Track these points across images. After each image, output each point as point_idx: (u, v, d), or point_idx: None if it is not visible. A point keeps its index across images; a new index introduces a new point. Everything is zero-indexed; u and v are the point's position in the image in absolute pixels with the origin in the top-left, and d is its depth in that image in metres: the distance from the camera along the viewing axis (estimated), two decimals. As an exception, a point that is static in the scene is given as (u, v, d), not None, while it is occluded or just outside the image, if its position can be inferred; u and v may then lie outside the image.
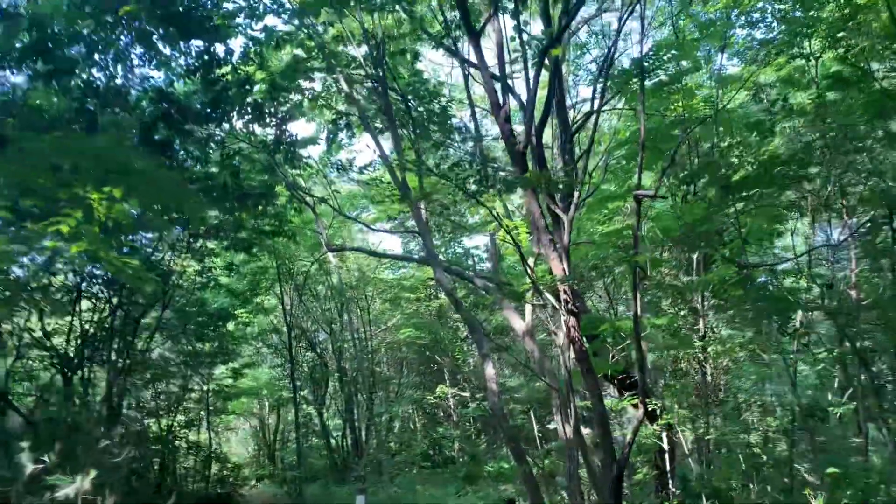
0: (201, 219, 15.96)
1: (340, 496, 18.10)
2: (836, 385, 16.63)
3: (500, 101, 8.65)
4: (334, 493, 18.98)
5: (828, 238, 17.14)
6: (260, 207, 13.58)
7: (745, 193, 9.41)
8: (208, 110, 12.29)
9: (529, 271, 8.71)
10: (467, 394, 19.72)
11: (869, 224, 14.81)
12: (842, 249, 15.97)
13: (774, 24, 12.99)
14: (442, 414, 23.14)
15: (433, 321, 21.71)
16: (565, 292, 8.27)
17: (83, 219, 5.38)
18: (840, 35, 11.74)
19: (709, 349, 15.08)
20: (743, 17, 12.96)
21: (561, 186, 7.97)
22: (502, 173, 8.83)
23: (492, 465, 18.51)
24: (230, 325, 21.72)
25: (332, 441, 24.00)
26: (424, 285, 21.65)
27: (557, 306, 8.36)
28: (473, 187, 9.58)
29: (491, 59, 9.93)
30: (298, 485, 21.00)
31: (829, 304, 14.80)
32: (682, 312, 12.32)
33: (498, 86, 8.85)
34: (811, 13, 11.67)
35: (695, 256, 14.29)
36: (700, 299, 15.48)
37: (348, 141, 14.35)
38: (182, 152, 12.54)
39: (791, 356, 16.78)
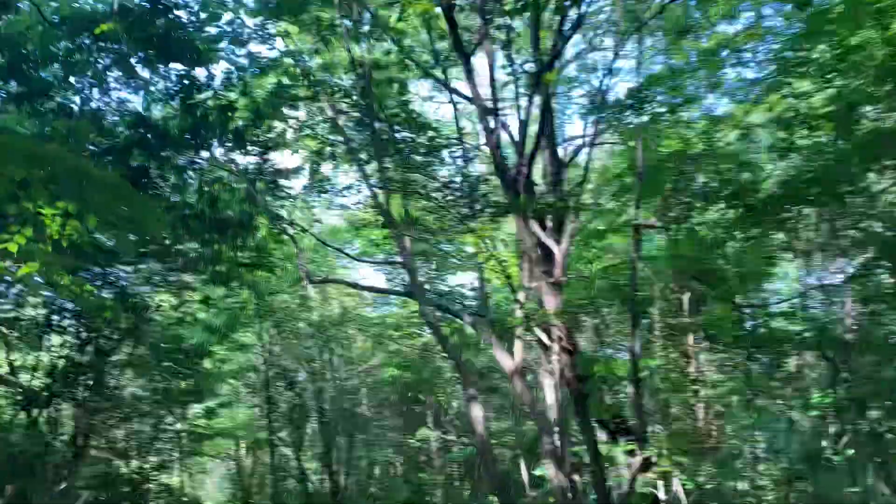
0: (176, 250, 15.49)
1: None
2: (831, 432, 16.17)
3: (492, 127, 8.28)
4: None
5: (820, 281, 16.82)
6: (239, 238, 13.04)
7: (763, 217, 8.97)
8: (187, 137, 11.83)
9: (520, 304, 8.24)
10: (452, 437, 19.03)
11: (863, 266, 14.53)
12: (836, 293, 15.66)
13: (765, 64, 12.84)
14: (424, 458, 22.37)
15: (417, 360, 21.07)
16: (559, 329, 7.78)
17: (34, 237, 4.86)
18: (831, 76, 11.57)
19: (700, 394, 14.62)
20: (734, 56, 12.80)
21: (553, 211, 7.55)
22: (494, 198, 8.41)
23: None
24: (206, 363, 20.97)
25: (310, 485, 23.09)
26: (408, 322, 21.06)
27: (550, 343, 7.87)
28: (463, 210, 9.14)
29: (481, 89, 9.64)
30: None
31: (823, 345, 14.40)
32: (673, 355, 11.90)
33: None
34: (802, 53, 11.50)
35: (685, 297, 13.92)
36: (691, 342, 15.06)
37: (332, 172, 13.91)
38: (159, 179, 12.04)
39: (785, 402, 16.33)
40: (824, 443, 16.41)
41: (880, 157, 11.49)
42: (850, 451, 15.08)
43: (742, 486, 10.35)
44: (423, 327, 22.06)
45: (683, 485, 9.79)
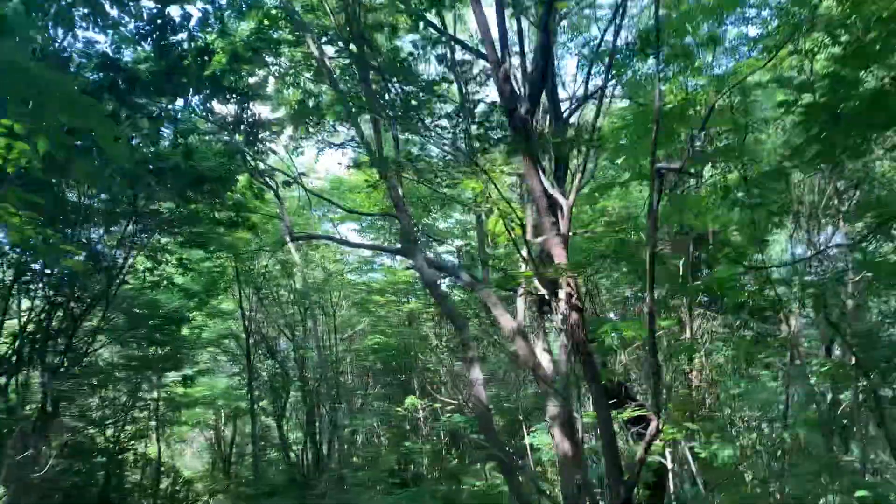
0: (151, 210, 14.63)
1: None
2: (827, 400, 15.80)
3: (499, 58, 7.51)
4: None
5: (818, 247, 16.33)
6: (217, 195, 12.24)
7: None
8: (161, 82, 10.95)
9: (526, 257, 7.57)
10: (438, 405, 18.44)
11: (865, 233, 14.01)
12: (838, 258, 15.19)
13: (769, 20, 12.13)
14: (408, 427, 21.83)
15: (403, 328, 20.43)
16: (569, 284, 7.12)
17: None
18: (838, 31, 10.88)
19: (695, 361, 14.11)
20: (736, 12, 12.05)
21: (561, 156, 6.85)
22: (499, 134, 7.63)
23: (465, 484, 17.30)
24: (184, 330, 20.21)
25: (292, 455, 22.51)
26: (394, 288, 20.38)
27: (558, 301, 7.22)
28: (470, 144, 8.36)
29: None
30: (255, 501, 19.52)
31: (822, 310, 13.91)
32: (665, 322, 11.29)
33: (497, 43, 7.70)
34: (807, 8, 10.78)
35: (680, 263, 13.32)
36: (688, 307, 14.52)
37: (317, 127, 13.05)
38: (130, 128, 11.16)
39: (783, 368, 15.88)
40: (822, 409, 16.02)
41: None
42: (846, 420, 14.70)
43: (729, 453, 9.83)
44: (409, 295, 21.44)
45: (698, 454, 9.27)
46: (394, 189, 9.09)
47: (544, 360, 12.36)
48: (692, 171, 7.03)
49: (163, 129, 11.44)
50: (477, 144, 7.92)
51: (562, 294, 8.46)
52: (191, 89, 11.15)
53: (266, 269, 19.34)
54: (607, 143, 7.33)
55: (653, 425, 7.16)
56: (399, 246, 9.52)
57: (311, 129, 13.09)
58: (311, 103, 12.55)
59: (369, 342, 19.73)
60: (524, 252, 8.22)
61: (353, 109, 11.44)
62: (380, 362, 21.80)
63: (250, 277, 20.40)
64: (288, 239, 10.49)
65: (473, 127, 7.65)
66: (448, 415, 18.35)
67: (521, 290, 8.43)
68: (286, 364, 22.69)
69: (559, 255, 7.06)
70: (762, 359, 15.40)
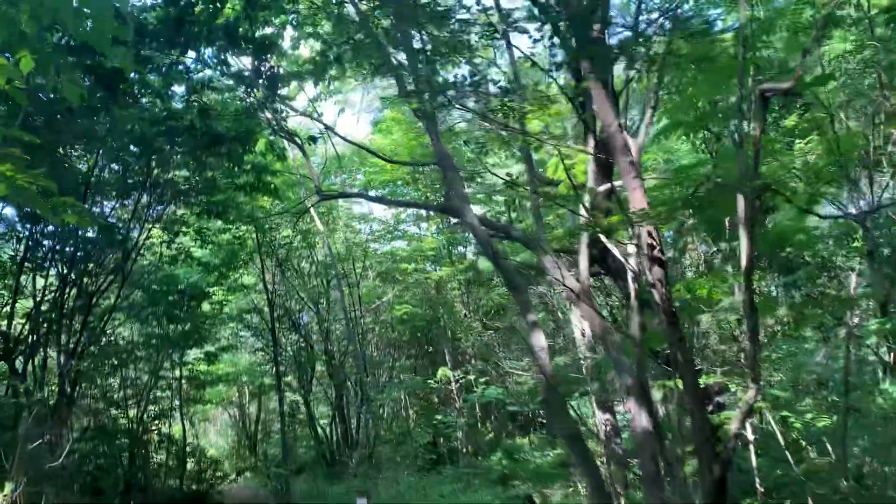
0: (165, 180, 13.72)
1: (335, 496, 15.94)
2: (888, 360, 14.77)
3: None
4: (326, 493, 16.82)
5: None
6: (235, 156, 11.29)
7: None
8: (170, 32, 9.97)
9: (589, 208, 6.58)
10: (472, 376, 17.61)
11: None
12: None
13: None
14: (436, 400, 21.05)
15: (431, 297, 19.53)
16: (650, 234, 6.14)
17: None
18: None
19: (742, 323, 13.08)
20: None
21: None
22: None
23: (496, 457, 16.48)
24: (204, 305, 19.45)
25: (320, 431, 21.82)
26: (421, 256, 19.46)
27: (631, 254, 6.26)
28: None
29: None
30: (285, 480, 18.84)
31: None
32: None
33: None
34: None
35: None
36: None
37: (338, 77, 12.06)
38: (138, 84, 10.21)
39: (837, 328, 14.82)
40: (879, 373, 14.95)
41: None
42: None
43: (827, 423, 8.90)
44: (435, 264, 20.49)
45: (791, 423, 8.34)
46: (434, 135, 8.06)
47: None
48: (799, 93, 5.97)
49: (174, 84, 10.48)
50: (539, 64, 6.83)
51: (630, 249, 7.49)
52: (203, 40, 10.16)
53: (288, 240, 18.44)
54: (684, 68, 6.28)
55: (751, 393, 6.22)
56: (444, 202, 8.55)
57: (331, 85, 12.08)
58: (331, 55, 11.52)
59: (397, 312, 18.85)
60: (587, 200, 7.25)
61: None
62: (407, 333, 20.93)
63: (272, 249, 19.53)
64: (316, 198, 9.52)
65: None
66: (483, 386, 17.53)
67: (583, 247, 7.45)
68: (310, 338, 21.91)
69: (638, 200, 6.07)
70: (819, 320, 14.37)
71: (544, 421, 19.82)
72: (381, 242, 21.74)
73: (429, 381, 17.84)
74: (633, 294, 7.36)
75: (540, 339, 7.29)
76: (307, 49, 12.39)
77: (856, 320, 14.98)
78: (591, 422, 15.46)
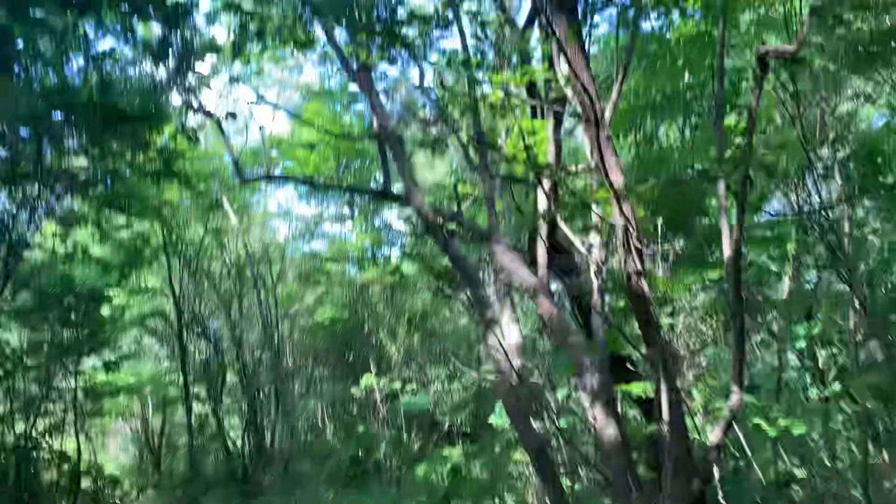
0: (61, 170, 12.25)
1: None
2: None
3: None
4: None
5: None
6: (140, 138, 10.01)
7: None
8: (65, -9, 8.68)
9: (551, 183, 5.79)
10: (396, 384, 16.64)
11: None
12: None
13: None
14: (357, 411, 19.96)
15: (355, 301, 18.48)
16: (626, 216, 5.41)
17: None
18: None
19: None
20: None
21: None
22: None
23: (422, 468, 15.58)
24: (103, 309, 17.77)
25: (231, 445, 20.33)
26: (345, 257, 18.38)
27: (615, 239, 5.52)
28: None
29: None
30: (192, 498, 17.36)
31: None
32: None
33: None
34: None
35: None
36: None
37: (257, 55, 10.92)
38: (27, 50, 8.85)
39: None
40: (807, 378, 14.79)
41: None
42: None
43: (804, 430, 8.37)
44: (355, 266, 19.44)
45: (767, 431, 7.75)
46: (375, 100, 7.09)
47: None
48: (799, 59, 5.36)
49: (70, 52, 9.14)
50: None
51: (594, 239, 6.79)
52: (105, 1, 8.89)
53: (198, 238, 17.03)
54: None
55: (734, 399, 5.56)
56: (382, 185, 7.58)
57: (251, 64, 10.95)
58: (252, 26, 10.40)
59: (321, 317, 17.68)
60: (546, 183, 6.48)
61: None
62: (327, 340, 19.75)
63: (179, 247, 18.02)
64: (240, 178, 8.40)
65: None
66: (408, 395, 16.60)
67: (542, 238, 6.67)
68: (221, 345, 20.41)
69: (617, 178, 5.32)
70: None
71: (469, 431, 19.07)
72: (300, 242, 20.52)
73: (352, 391, 16.74)
74: (595, 290, 6.64)
75: (515, 334, 6.45)
76: (223, 27, 11.23)
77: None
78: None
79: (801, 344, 13.67)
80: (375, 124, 7.12)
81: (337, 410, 19.59)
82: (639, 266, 5.53)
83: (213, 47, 9.98)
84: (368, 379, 16.35)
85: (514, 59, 6.45)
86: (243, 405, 20.23)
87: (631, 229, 5.48)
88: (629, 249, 5.52)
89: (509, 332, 7.23)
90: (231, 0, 10.38)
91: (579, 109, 5.83)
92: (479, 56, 6.46)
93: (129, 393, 21.42)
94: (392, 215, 21.33)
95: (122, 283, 17.62)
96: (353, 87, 17.77)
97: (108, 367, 17.92)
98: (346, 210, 19.32)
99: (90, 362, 18.50)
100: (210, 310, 20.36)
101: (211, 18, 10.41)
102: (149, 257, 17.68)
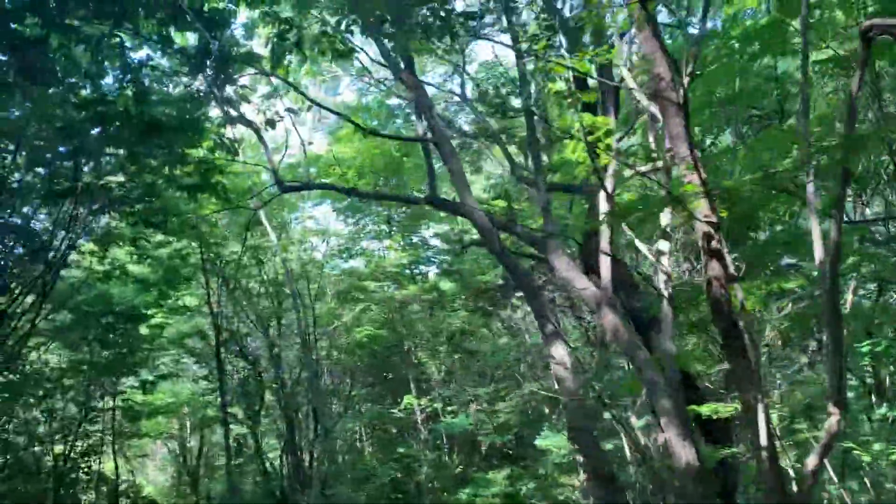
0: (100, 185, 12.06)
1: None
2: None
3: None
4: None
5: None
6: (178, 150, 9.72)
7: None
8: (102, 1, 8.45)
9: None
10: (439, 405, 16.13)
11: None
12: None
13: None
14: (396, 431, 19.43)
15: (393, 319, 18.02)
16: (709, 220, 4.87)
17: None
18: None
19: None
20: None
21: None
22: None
23: (466, 493, 15.00)
24: (142, 328, 17.57)
25: (269, 467, 19.94)
26: (384, 274, 17.96)
27: (701, 245, 4.98)
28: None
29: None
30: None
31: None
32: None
33: None
34: None
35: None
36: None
37: (297, 65, 10.63)
38: (62, 60, 8.62)
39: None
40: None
41: None
42: None
43: None
44: (393, 283, 18.98)
45: (859, 456, 7.09)
46: (424, 103, 6.63)
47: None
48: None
49: (106, 63, 8.89)
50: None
51: (663, 246, 6.24)
52: (141, 10, 8.64)
53: (236, 256, 16.75)
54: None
55: (833, 421, 4.95)
56: (429, 194, 7.11)
57: (290, 76, 10.66)
58: (291, 37, 10.12)
59: (358, 335, 17.25)
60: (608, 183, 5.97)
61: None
62: (367, 358, 19.31)
63: (217, 265, 17.77)
64: (279, 187, 8.01)
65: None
66: (451, 416, 16.07)
67: (604, 245, 6.14)
68: (259, 364, 20.08)
69: (696, 175, 4.79)
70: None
71: (511, 452, 18.41)
72: (338, 259, 20.15)
73: (392, 411, 16.24)
74: (665, 301, 6.08)
75: (560, 350, 5.93)
76: (262, 38, 10.96)
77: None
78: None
79: (865, 361, 12.81)
80: (421, 128, 6.65)
81: (376, 431, 19.07)
82: (723, 271, 4.98)
83: (251, 57, 9.69)
84: (409, 399, 15.85)
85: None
86: (281, 426, 19.84)
87: (714, 230, 4.94)
88: (712, 253, 4.97)
89: (556, 349, 6.72)
90: (269, 10, 10.19)
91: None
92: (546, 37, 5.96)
93: (167, 413, 21.23)
94: (430, 232, 20.95)
95: (160, 301, 17.40)
96: (392, 101, 17.56)
97: (146, 386, 17.69)
98: (383, 227, 18.94)
99: (128, 382, 18.29)
100: (248, 328, 20.07)
101: (249, 29, 10.13)
102: (187, 275, 17.45)
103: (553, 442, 15.20)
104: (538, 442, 15.30)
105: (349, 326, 18.73)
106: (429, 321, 18.69)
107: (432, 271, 21.04)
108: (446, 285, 19.12)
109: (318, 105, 9.68)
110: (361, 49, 11.56)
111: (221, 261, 17.70)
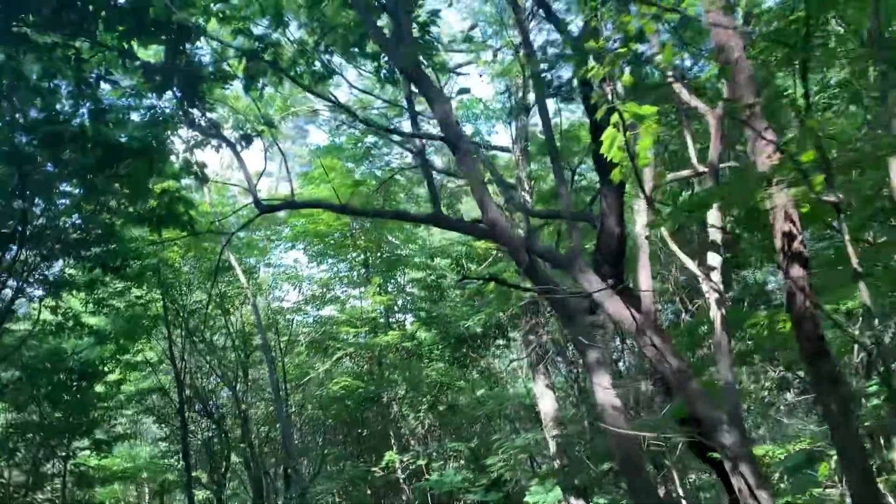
0: (52, 226, 10.97)
1: None
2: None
3: None
4: None
5: None
6: (139, 179, 8.71)
7: None
8: (56, 7, 7.54)
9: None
10: (422, 461, 14.92)
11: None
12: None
13: None
14: (369, 492, 18.07)
15: (372, 370, 16.90)
16: (789, 218, 4.05)
17: None
18: None
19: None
20: None
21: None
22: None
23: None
24: (97, 385, 16.20)
25: (236, 536, 18.42)
26: (361, 321, 16.87)
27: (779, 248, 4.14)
28: None
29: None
30: None
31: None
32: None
33: None
34: None
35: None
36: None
37: (273, 86, 9.77)
38: (11, 70, 7.63)
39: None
40: None
41: None
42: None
43: None
44: (370, 332, 17.86)
45: None
46: (438, 97, 5.75)
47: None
48: None
49: (59, 77, 7.93)
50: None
51: (713, 260, 5.43)
52: (100, 21, 7.73)
53: (201, 304, 15.57)
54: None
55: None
56: (434, 211, 6.19)
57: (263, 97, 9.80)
58: (267, 55, 9.30)
59: (335, 386, 16.04)
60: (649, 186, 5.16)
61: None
62: (339, 413, 18.04)
63: (181, 315, 16.52)
64: (257, 207, 7.04)
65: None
66: (436, 472, 14.85)
67: (644, 262, 5.28)
68: (225, 423, 18.67)
69: (767, 159, 3.98)
70: None
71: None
72: (311, 307, 18.99)
73: (373, 469, 14.98)
74: (718, 323, 5.21)
75: (604, 379, 4.98)
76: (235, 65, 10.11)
77: None
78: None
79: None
80: (440, 124, 5.69)
81: (353, 492, 17.68)
82: (803, 278, 4.12)
83: (224, 75, 8.82)
84: (391, 455, 14.64)
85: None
86: (249, 490, 18.36)
87: (795, 230, 4.11)
88: (794, 256, 4.12)
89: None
90: (242, 26, 9.38)
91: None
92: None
93: (123, 479, 19.62)
94: (405, 279, 20.01)
95: (117, 356, 16.08)
96: (370, 140, 16.78)
97: (101, 448, 16.18)
98: (360, 270, 17.95)
99: (81, 445, 16.78)
100: (212, 384, 18.72)
101: (219, 53, 9.26)
102: (147, 326, 16.18)
103: (543, 498, 14.14)
104: (527, 499, 14.22)
105: (322, 380, 17.54)
106: (406, 373, 17.61)
107: (409, 319, 20.05)
108: (424, 334, 18.14)
109: (317, 95, 8.74)
110: (341, 74, 10.81)
111: (185, 310, 16.47)
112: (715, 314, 5.19)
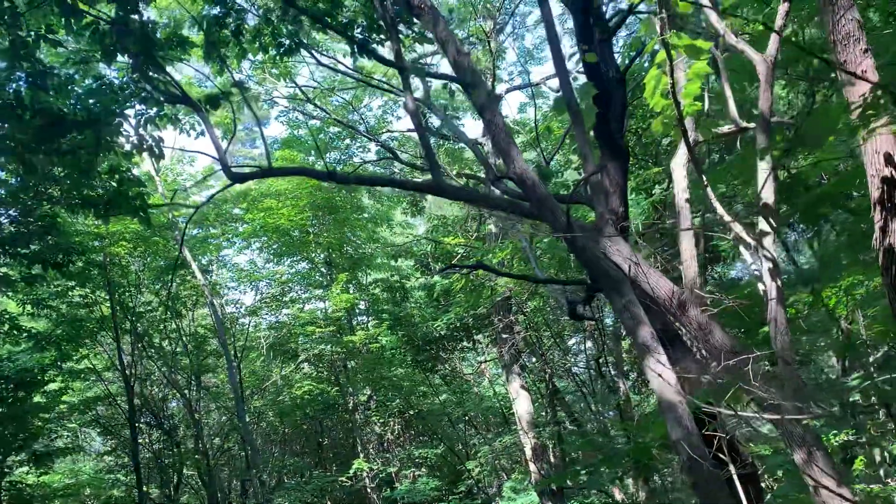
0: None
1: None
2: None
3: None
4: None
5: None
6: (86, 156, 7.69)
7: None
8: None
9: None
10: (393, 469, 14.05)
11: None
12: None
13: None
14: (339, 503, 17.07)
15: (336, 371, 15.95)
16: (891, 159, 3.40)
17: None
18: None
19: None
20: None
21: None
22: None
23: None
24: (36, 396, 14.87)
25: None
26: (326, 321, 15.90)
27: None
28: None
29: None
30: None
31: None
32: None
33: None
34: None
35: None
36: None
37: (235, 58, 8.85)
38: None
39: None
40: None
41: None
42: None
43: None
44: (335, 334, 16.91)
45: None
46: (448, 37, 4.93)
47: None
48: None
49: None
50: None
51: (764, 226, 4.77)
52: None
53: (152, 306, 14.40)
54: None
55: None
56: (433, 179, 5.38)
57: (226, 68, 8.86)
58: (230, 22, 8.41)
59: (298, 391, 15.04)
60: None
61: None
62: (301, 420, 17.04)
63: (130, 317, 15.29)
64: (224, 172, 6.13)
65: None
66: (407, 479, 14.02)
67: (687, 233, 4.58)
68: (177, 433, 17.45)
69: (863, 83, 3.31)
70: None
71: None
72: (269, 309, 17.92)
73: (342, 479, 14.03)
74: (772, 301, 4.53)
75: (667, 373, 4.23)
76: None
77: None
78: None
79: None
80: (452, 65, 4.88)
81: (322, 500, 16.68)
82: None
83: (182, 41, 7.88)
84: (359, 463, 13.74)
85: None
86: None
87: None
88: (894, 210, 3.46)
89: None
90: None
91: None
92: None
93: (64, 497, 18.17)
94: (368, 279, 19.14)
95: (58, 362, 14.79)
96: (332, 129, 15.92)
97: (41, 462, 14.85)
98: (322, 271, 17.01)
99: (18, 460, 15.40)
100: (163, 392, 17.48)
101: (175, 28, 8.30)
102: (92, 330, 14.92)
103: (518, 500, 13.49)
104: (500, 504, 13.54)
105: (280, 387, 16.51)
106: (372, 375, 16.71)
107: (371, 323, 19.17)
108: (387, 338, 17.30)
109: (320, 64, 7.83)
110: (308, 48, 9.98)
111: (134, 312, 15.25)
112: (770, 285, 4.51)
